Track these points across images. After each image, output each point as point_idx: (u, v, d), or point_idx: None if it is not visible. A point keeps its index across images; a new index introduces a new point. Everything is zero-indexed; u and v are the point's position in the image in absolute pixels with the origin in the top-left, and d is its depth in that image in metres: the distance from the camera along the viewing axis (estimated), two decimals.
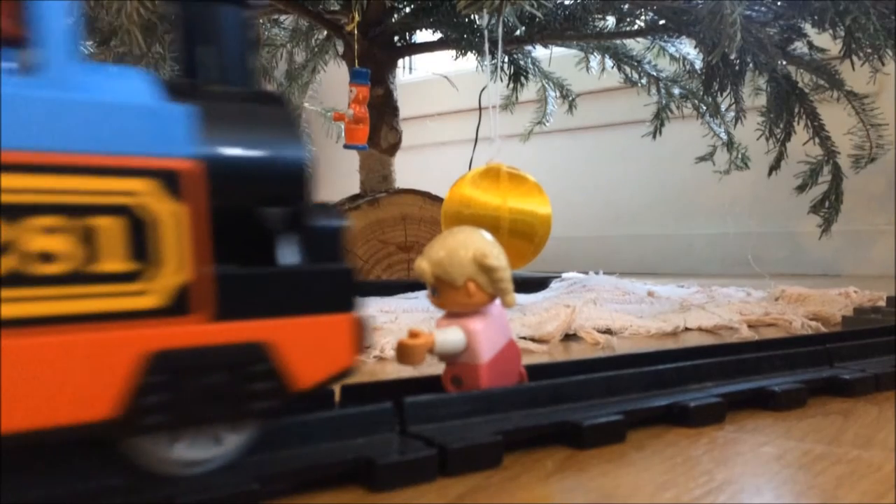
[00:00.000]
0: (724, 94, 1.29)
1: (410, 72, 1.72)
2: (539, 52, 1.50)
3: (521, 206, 0.85)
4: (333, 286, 0.40)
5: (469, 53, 1.37)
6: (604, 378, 0.56)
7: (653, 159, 2.40)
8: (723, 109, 1.40)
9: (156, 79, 0.37)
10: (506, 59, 1.44)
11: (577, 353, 0.89)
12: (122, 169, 0.33)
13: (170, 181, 0.35)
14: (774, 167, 1.37)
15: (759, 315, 1.10)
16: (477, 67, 1.46)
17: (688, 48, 1.35)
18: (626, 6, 1.22)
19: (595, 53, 1.44)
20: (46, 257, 0.32)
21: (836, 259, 2.15)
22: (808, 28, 1.21)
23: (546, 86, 1.63)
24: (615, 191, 2.61)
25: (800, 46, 1.25)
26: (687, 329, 1.05)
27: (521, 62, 1.47)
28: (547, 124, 1.69)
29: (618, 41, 1.36)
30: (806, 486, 0.42)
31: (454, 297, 0.52)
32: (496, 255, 0.52)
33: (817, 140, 1.30)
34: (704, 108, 1.43)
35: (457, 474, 0.44)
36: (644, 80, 1.44)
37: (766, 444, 0.50)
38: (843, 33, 1.08)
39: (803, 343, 0.70)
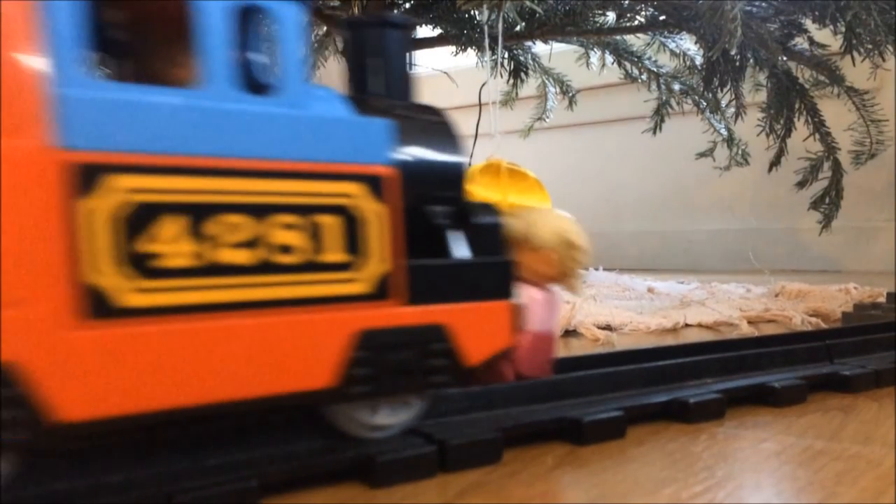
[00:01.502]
0: (725, 89, 1.28)
1: (410, 67, 1.71)
2: (539, 47, 1.50)
3: (521, 202, 0.85)
4: (497, 276, 0.46)
5: (469, 49, 1.37)
6: (603, 374, 0.56)
7: (653, 155, 2.40)
8: (723, 105, 1.40)
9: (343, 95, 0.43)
10: (506, 55, 1.44)
11: (577, 349, 0.89)
12: (340, 174, 0.40)
13: (375, 185, 0.41)
14: (775, 163, 1.37)
15: (759, 311, 1.10)
16: (477, 63, 1.46)
17: (688, 44, 1.35)
18: (627, 2, 1.21)
19: (595, 49, 1.44)
20: (286, 249, 0.38)
21: (837, 255, 2.14)
22: (808, 24, 1.20)
23: (546, 82, 1.63)
24: (615, 187, 2.61)
25: (800, 42, 1.25)
26: (687, 325, 1.05)
27: (521, 58, 1.47)
28: (547, 120, 1.69)
29: (618, 37, 1.36)
30: (806, 482, 0.42)
31: (529, 260, 0.53)
32: (581, 237, 0.54)
33: (818, 136, 1.30)
34: (705, 103, 1.43)
35: (457, 470, 0.44)
36: (644, 76, 1.43)
37: (766, 440, 0.50)
38: (843, 29, 1.08)
39: (803, 339, 0.70)
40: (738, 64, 1.21)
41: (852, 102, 1.28)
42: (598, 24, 1.28)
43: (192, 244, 0.35)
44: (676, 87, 1.43)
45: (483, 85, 1.29)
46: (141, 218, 0.34)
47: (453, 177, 0.47)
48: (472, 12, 1.20)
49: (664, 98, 1.45)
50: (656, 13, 1.23)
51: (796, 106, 1.29)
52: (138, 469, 0.38)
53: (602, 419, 0.50)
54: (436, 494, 0.41)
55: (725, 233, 2.30)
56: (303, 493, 0.41)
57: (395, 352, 0.42)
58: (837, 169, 1.32)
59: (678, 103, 1.46)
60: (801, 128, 1.32)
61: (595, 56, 1.48)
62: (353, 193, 0.40)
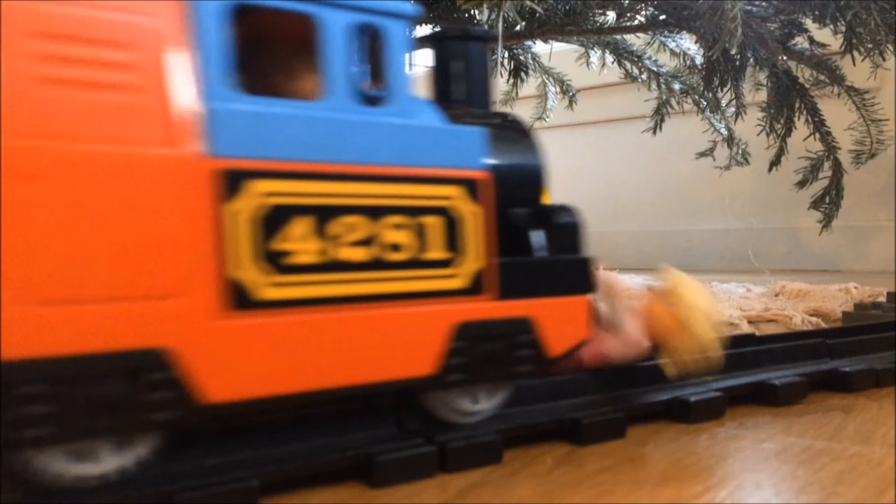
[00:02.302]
0: (725, 89, 1.28)
1: (410, 67, 1.71)
2: (539, 47, 1.50)
3: None
4: (576, 273, 0.49)
5: None
6: (603, 373, 0.56)
7: (653, 155, 2.39)
8: (723, 105, 1.39)
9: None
10: (506, 55, 1.44)
11: None
12: (442, 178, 0.43)
13: (471, 188, 0.44)
14: (775, 163, 1.37)
15: (759, 311, 1.10)
16: None
17: (688, 43, 1.35)
18: (627, 1, 1.21)
19: (595, 48, 1.44)
20: (395, 247, 0.42)
21: (837, 255, 2.14)
22: (808, 23, 1.20)
23: (546, 81, 1.63)
24: (615, 186, 2.61)
25: (801, 42, 1.25)
26: None
27: (522, 57, 1.47)
28: (547, 119, 1.69)
29: (618, 36, 1.36)
30: (806, 482, 0.42)
31: (660, 320, 0.56)
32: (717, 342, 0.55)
33: (818, 135, 1.30)
34: (705, 103, 1.43)
35: (457, 471, 0.44)
36: (644, 76, 1.43)
37: (767, 439, 0.50)
38: (843, 28, 1.08)
39: (803, 338, 0.70)
40: (738, 63, 1.21)
41: (852, 102, 1.27)
42: (598, 24, 1.28)
43: (318, 242, 0.39)
44: (676, 86, 1.42)
45: None
46: (275, 219, 0.38)
47: (535, 180, 0.50)
48: (472, 12, 1.20)
49: (664, 97, 1.45)
50: (656, 13, 1.23)
51: (796, 105, 1.29)
52: (137, 467, 0.38)
53: (602, 419, 0.50)
54: (436, 494, 0.41)
55: (725, 232, 2.30)
56: (303, 492, 0.41)
57: (487, 343, 0.45)
58: (838, 168, 1.32)
59: (678, 103, 1.46)
60: (802, 127, 1.31)
61: (595, 55, 1.48)
62: (453, 196, 0.44)
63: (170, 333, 0.35)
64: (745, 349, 0.64)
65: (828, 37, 1.19)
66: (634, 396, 0.55)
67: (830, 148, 1.31)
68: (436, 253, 0.43)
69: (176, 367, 0.35)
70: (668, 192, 2.49)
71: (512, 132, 0.50)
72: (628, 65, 1.43)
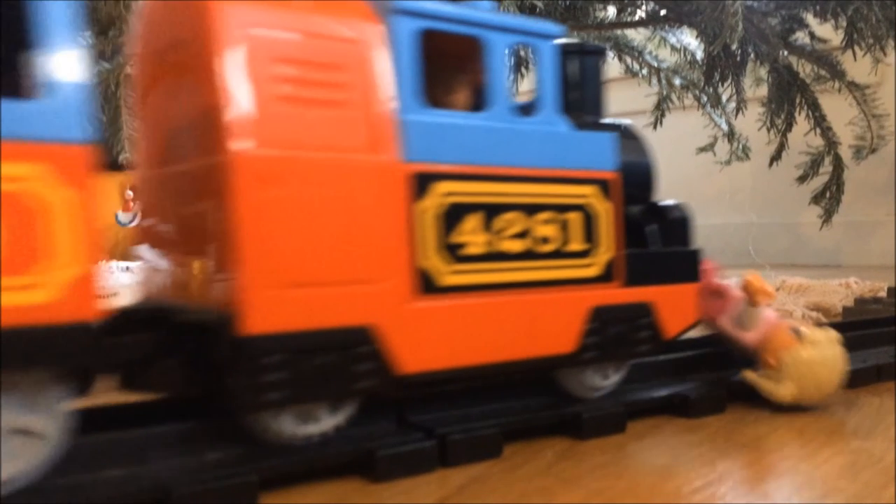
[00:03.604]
0: (726, 84, 1.28)
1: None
2: None
3: None
4: (687, 263, 0.55)
5: None
6: None
7: (653, 150, 2.39)
8: (724, 100, 1.39)
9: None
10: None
11: None
12: (581, 179, 0.49)
13: (604, 187, 0.50)
14: (775, 158, 1.37)
15: None
16: None
17: (689, 38, 1.34)
18: None
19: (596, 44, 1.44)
20: (545, 240, 0.48)
21: (837, 250, 2.14)
22: (809, 18, 1.20)
23: None
24: None
25: (801, 37, 1.25)
26: None
27: (522, 53, 1.47)
28: None
29: (618, 31, 1.36)
30: (807, 476, 0.42)
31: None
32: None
33: (818, 131, 1.30)
34: (705, 98, 1.43)
35: (457, 465, 0.44)
36: (645, 71, 1.43)
37: (767, 434, 0.50)
38: (844, 23, 1.08)
39: None
40: (738, 58, 1.21)
41: (853, 97, 1.27)
42: (598, 19, 1.28)
43: (485, 236, 0.45)
44: (677, 81, 1.42)
45: None
46: (453, 215, 0.44)
47: (648, 180, 0.57)
48: None
49: (665, 93, 1.44)
50: (657, 8, 1.22)
51: (797, 100, 1.29)
52: (137, 463, 0.38)
53: (602, 414, 0.50)
54: (436, 489, 0.41)
55: (726, 227, 2.30)
56: (303, 487, 0.41)
57: (616, 325, 0.50)
58: (838, 164, 1.31)
59: (679, 98, 1.45)
60: (802, 122, 1.31)
61: None
62: (590, 194, 0.49)
63: (374, 313, 0.41)
64: None
65: (829, 32, 1.19)
66: (635, 391, 0.55)
67: (831, 143, 1.30)
68: (576, 245, 0.49)
69: (378, 342, 0.41)
70: (669, 187, 2.47)
71: (627, 136, 0.55)
72: (629, 60, 1.43)
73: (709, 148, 1.55)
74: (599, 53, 0.57)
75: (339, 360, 0.40)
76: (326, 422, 0.42)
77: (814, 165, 1.33)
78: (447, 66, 0.48)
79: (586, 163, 0.49)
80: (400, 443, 0.43)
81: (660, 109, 1.47)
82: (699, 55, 1.34)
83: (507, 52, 0.47)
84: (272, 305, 0.38)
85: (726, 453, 0.46)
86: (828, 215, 1.34)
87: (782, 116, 1.32)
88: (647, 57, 1.41)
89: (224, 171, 0.37)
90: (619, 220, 0.51)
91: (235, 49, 0.38)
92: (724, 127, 1.49)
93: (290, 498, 0.40)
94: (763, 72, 1.31)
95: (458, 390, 0.50)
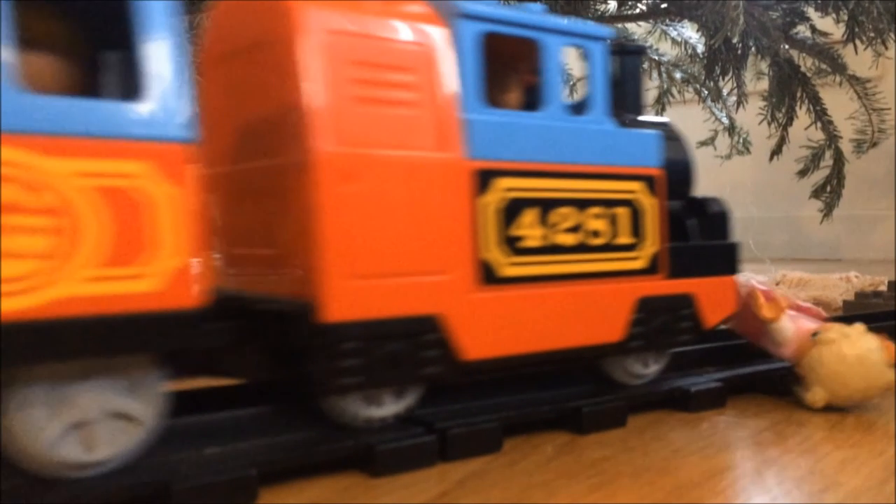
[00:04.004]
0: (726, 78, 1.28)
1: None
2: None
3: None
4: (726, 256, 0.57)
5: None
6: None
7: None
8: (725, 94, 1.39)
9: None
10: None
11: None
12: (629, 175, 0.51)
13: (650, 183, 0.52)
14: (776, 152, 1.36)
15: None
16: None
17: (690, 32, 1.34)
18: None
19: None
20: (596, 234, 0.50)
21: (838, 244, 2.14)
22: (810, 12, 1.19)
23: None
24: None
25: (802, 30, 1.24)
26: None
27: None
28: None
29: (619, 25, 1.35)
30: (807, 471, 0.42)
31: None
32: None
33: (819, 124, 1.29)
34: (706, 92, 1.42)
35: (457, 459, 0.44)
36: (645, 65, 1.43)
37: (767, 428, 0.50)
38: (846, 17, 1.07)
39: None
40: (739, 52, 1.20)
41: (854, 91, 1.27)
42: (599, 12, 1.27)
43: (541, 229, 0.47)
44: (678, 75, 1.42)
45: None
46: (512, 210, 0.46)
47: (687, 176, 0.59)
48: None
49: (665, 86, 1.44)
50: (657, 1, 1.22)
51: (798, 94, 1.28)
52: (136, 457, 0.38)
53: (602, 408, 0.50)
54: (436, 483, 0.41)
55: None
56: (302, 482, 0.41)
57: (660, 315, 0.52)
58: (839, 157, 1.31)
59: (679, 92, 1.45)
60: (803, 116, 1.31)
61: None
62: (637, 190, 0.51)
63: (440, 303, 0.43)
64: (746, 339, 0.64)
65: (830, 25, 1.18)
66: (635, 385, 0.55)
67: (832, 137, 1.30)
68: (624, 238, 0.51)
69: (443, 330, 0.43)
70: None
71: (668, 134, 0.57)
72: None
73: (709, 142, 1.55)
74: (640, 53, 0.59)
75: (407, 346, 0.42)
76: (389, 407, 0.44)
77: (814, 159, 1.33)
78: (501, 66, 0.49)
79: (634, 160, 0.51)
80: (400, 437, 0.43)
81: (660, 103, 1.46)
82: (700, 49, 1.33)
83: (561, 52, 0.49)
84: (350, 295, 0.40)
85: (727, 447, 0.46)
86: (828, 209, 1.34)
87: (783, 110, 1.31)
88: (648, 51, 1.41)
89: (307, 169, 0.39)
90: (664, 214, 0.53)
91: (317, 51, 0.39)
92: (725, 121, 1.48)
93: (289, 491, 0.40)
94: (764, 65, 1.31)
95: (513, 377, 0.53)
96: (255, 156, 0.43)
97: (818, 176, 1.35)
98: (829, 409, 0.53)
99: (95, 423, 0.36)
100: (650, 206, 0.52)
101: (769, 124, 1.34)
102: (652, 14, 1.27)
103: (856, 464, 0.43)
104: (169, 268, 0.35)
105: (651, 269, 0.52)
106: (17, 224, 0.32)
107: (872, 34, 1.07)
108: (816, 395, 0.53)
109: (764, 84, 1.34)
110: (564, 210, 0.48)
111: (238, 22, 0.45)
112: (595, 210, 0.50)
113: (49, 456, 0.35)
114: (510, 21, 0.47)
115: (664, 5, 1.22)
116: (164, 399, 0.38)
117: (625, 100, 0.56)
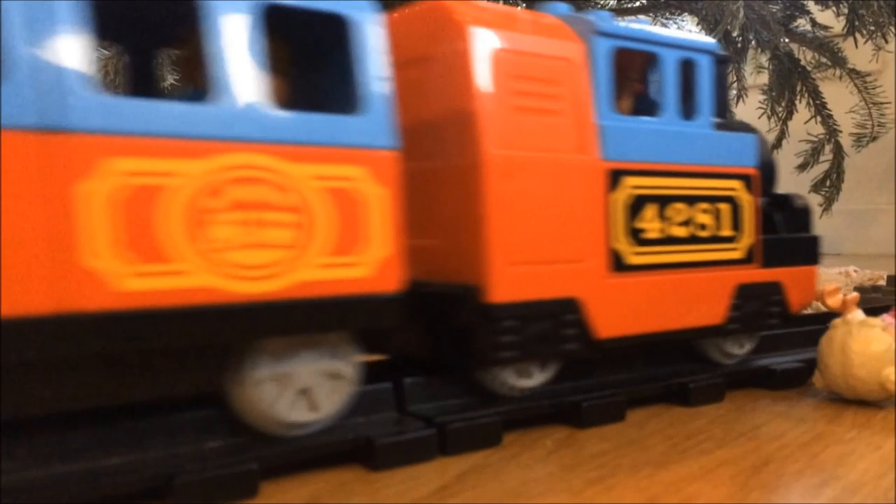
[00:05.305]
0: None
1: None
2: None
3: None
4: (808, 247, 0.63)
5: None
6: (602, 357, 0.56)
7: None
8: None
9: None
10: None
11: None
12: (730, 174, 0.57)
13: (747, 182, 0.58)
14: (776, 146, 1.36)
15: None
16: None
17: (690, 25, 1.34)
18: None
19: None
20: (703, 227, 0.56)
21: (837, 238, 2.14)
22: (811, 5, 1.19)
23: None
24: None
25: (803, 24, 1.24)
26: None
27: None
28: None
29: (620, 18, 1.35)
30: (806, 464, 0.42)
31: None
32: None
33: (819, 118, 1.29)
34: None
35: (456, 453, 0.44)
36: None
37: (766, 423, 0.50)
38: (846, 11, 1.07)
39: (803, 322, 0.70)
40: (739, 46, 1.20)
41: (854, 85, 1.27)
42: (598, 5, 1.27)
43: (659, 223, 0.53)
44: None
45: None
46: (636, 205, 0.52)
47: (772, 174, 0.64)
48: None
49: None
50: None
51: (798, 88, 1.28)
52: (138, 452, 0.38)
53: (602, 402, 0.50)
54: (435, 477, 0.41)
55: None
56: (303, 475, 0.41)
57: (754, 300, 0.59)
58: (839, 151, 1.31)
59: None
60: (803, 110, 1.31)
61: None
62: (736, 188, 0.57)
63: (579, 287, 0.49)
64: None
65: (830, 19, 1.18)
66: (634, 380, 0.55)
67: (831, 131, 1.30)
68: (726, 231, 0.57)
69: (581, 311, 0.49)
70: None
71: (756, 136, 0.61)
72: None
73: None
74: (728, 61, 0.63)
75: (553, 325, 0.48)
76: (537, 378, 0.50)
77: (814, 153, 1.33)
78: (618, 76, 0.54)
79: (734, 160, 0.57)
80: (399, 431, 0.43)
81: None
82: None
83: (676, 65, 0.54)
84: (509, 279, 0.46)
85: (725, 442, 0.46)
86: (828, 203, 1.34)
87: (783, 104, 1.31)
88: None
89: (477, 169, 0.45)
90: (758, 210, 0.58)
91: (485, 66, 0.45)
92: None
93: (289, 485, 0.40)
94: (764, 59, 1.30)
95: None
96: (420, 157, 0.48)
97: (818, 170, 1.35)
98: (802, 399, 0.53)
99: (315, 386, 0.41)
100: (747, 202, 0.58)
101: (769, 118, 1.34)
102: (652, 7, 1.26)
103: (854, 457, 0.43)
104: (378, 257, 0.41)
105: (748, 259, 0.58)
106: (270, 219, 0.38)
107: (872, 28, 1.07)
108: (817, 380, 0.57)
109: (764, 78, 1.34)
110: (678, 205, 0.54)
111: (408, 35, 0.50)
112: (703, 206, 0.55)
113: (286, 420, 0.40)
114: (636, 37, 0.53)
115: None
116: (360, 365, 0.43)
117: (716, 105, 0.60)
